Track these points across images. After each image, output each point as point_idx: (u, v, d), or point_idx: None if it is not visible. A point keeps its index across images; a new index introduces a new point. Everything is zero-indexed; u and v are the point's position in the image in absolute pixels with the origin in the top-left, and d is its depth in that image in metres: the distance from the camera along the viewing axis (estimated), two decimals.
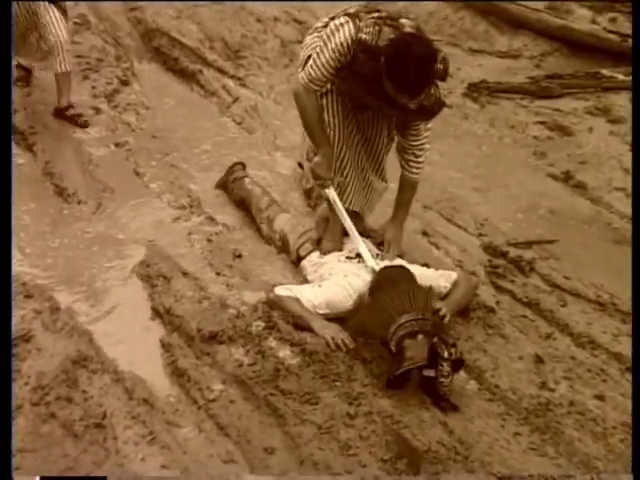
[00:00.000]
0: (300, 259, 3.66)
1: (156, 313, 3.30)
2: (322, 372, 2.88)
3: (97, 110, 5.07)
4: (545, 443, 2.70)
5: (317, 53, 3.23)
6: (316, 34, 3.38)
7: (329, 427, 2.61)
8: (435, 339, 2.83)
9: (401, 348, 2.83)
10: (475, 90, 5.99)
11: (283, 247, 3.77)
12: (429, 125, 3.36)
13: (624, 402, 2.91)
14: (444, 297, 3.33)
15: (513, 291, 3.64)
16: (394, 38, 3.05)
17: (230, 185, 4.25)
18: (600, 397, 2.94)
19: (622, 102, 5.85)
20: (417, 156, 3.44)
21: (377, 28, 3.09)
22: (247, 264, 3.68)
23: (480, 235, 4.12)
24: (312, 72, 3.24)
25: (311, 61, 3.26)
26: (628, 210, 4.48)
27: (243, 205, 4.12)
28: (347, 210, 3.55)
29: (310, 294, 3.25)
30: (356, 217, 3.67)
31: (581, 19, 7.20)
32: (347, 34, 3.12)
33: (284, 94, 5.76)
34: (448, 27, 7.09)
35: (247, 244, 3.87)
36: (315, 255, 3.61)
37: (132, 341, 3.15)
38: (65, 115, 4.88)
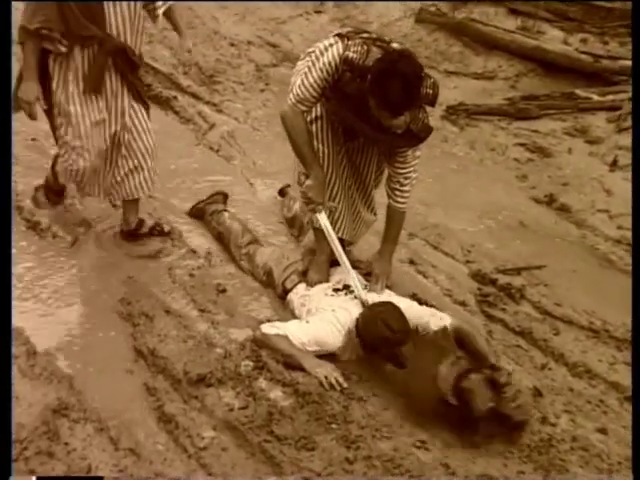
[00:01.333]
0: (286, 292, 3.55)
1: (139, 354, 3.16)
2: (317, 414, 2.77)
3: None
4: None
5: (305, 73, 3.15)
6: (307, 58, 3.30)
7: (328, 474, 2.49)
8: (485, 372, 2.80)
9: (463, 398, 2.74)
10: (453, 112, 5.97)
11: (268, 281, 3.66)
12: (417, 153, 3.28)
13: (627, 435, 2.85)
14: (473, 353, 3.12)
15: (505, 320, 3.57)
16: (381, 55, 2.98)
17: (208, 217, 4.13)
18: (602, 430, 2.87)
19: (599, 123, 5.88)
20: (403, 185, 3.35)
21: (365, 48, 3.03)
22: (232, 299, 3.56)
23: (468, 262, 4.06)
24: (300, 92, 3.16)
25: (299, 81, 3.18)
26: (612, 232, 4.49)
27: (220, 240, 3.99)
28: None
29: (298, 331, 3.13)
30: (344, 247, 3.57)
31: (553, 40, 7.25)
32: (335, 53, 3.06)
33: (261, 119, 5.70)
34: (423, 49, 7.06)
35: (231, 278, 3.74)
36: (302, 287, 3.51)
37: (115, 385, 3.00)
38: (139, 234, 3.92)
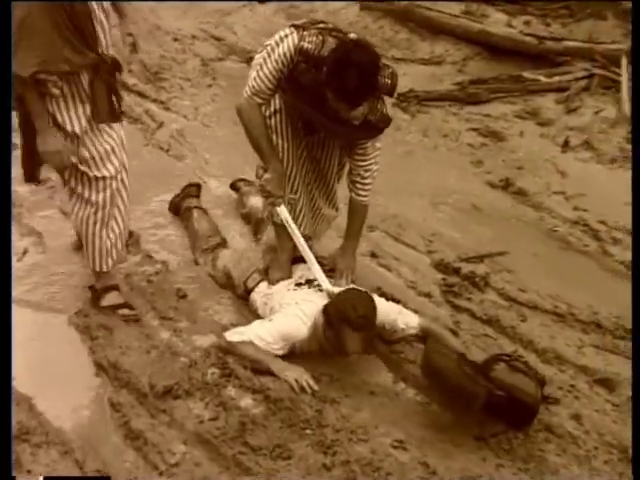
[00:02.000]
0: (248, 292, 3.46)
1: (100, 368, 3.04)
2: (290, 420, 2.70)
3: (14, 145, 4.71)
4: (529, 473, 2.58)
5: (260, 65, 3.08)
6: (263, 50, 3.20)
7: None
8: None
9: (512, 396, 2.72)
10: (404, 100, 5.92)
11: (228, 283, 3.56)
12: (377, 145, 3.21)
13: (601, 420, 2.85)
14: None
15: (471, 309, 3.54)
16: (336, 45, 2.91)
17: (180, 213, 4.06)
18: (576, 417, 2.86)
19: (549, 104, 5.91)
20: (364, 177, 3.29)
21: (320, 38, 2.96)
22: (193, 304, 3.46)
23: (430, 252, 4.02)
24: (255, 84, 3.09)
25: (254, 73, 3.10)
26: (569, 214, 4.50)
27: (189, 239, 3.91)
28: None
29: (263, 332, 3.05)
30: (306, 242, 3.51)
31: (497, 23, 7.26)
32: (290, 43, 3.00)
33: (211, 115, 5.59)
34: (369, 36, 6.95)
35: (190, 282, 3.63)
36: (264, 285, 3.42)
37: (77, 403, 2.89)
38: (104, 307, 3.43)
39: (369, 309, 2.99)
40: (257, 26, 7.30)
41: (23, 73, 2.85)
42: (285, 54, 3.01)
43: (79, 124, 3.07)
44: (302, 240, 3.31)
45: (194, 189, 4.19)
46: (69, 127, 3.06)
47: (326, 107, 2.95)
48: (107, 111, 3.13)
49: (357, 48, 2.88)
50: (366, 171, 3.27)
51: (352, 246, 3.44)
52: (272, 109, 3.25)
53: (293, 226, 3.30)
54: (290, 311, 3.12)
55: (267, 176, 3.22)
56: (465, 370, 2.70)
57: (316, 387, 2.88)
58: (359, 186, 3.31)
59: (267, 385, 2.85)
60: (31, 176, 3.32)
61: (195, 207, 4.05)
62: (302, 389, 2.85)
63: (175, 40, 6.71)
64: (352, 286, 3.20)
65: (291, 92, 3.13)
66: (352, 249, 3.44)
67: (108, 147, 3.17)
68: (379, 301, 3.16)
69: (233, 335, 3.06)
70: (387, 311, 3.13)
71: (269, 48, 3.09)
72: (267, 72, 3.05)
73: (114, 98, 3.16)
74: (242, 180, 4.39)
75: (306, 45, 2.95)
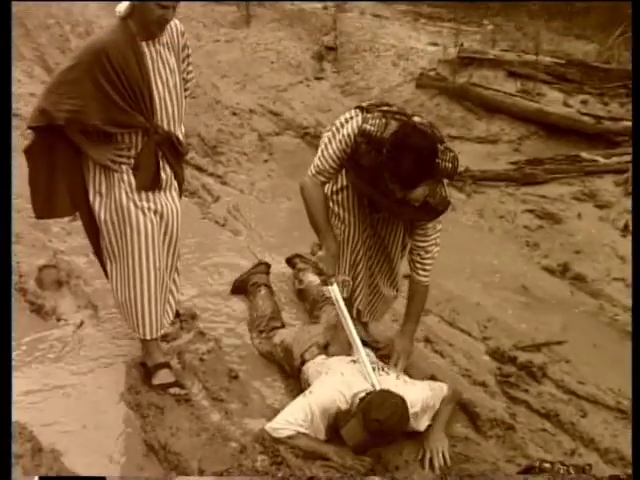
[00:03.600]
0: (304, 364, 3.41)
1: (150, 448, 3.01)
2: None
3: (74, 216, 4.82)
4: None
5: (325, 144, 3.15)
6: (330, 131, 3.25)
7: None
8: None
9: None
10: (460, 179, 5.91)
11: (285, 357, 3.51)
12: (438, 227, 3.20)
13: None
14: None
15: (528, 401, 3.44)
16: (397, 128, 2.94)
17: (249, 288, 4.10)
18: None
19: (607, 186, 5.83)
20: (423, 258, 3.26)
21: (384, 121, 3.00)
22: (244, 385, 3.42)
23: (485, 339, 3.94)
24: (319, 163, 3.16)
25: (319, 152, 3.18)
26: (630, 302, 4.35)
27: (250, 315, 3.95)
28: (351, 314, 3.36)
29: (302, 413, 2.99)
30: (360, 324, 3.48)
31: (554, 102, 7.29)
32: (354, 125, 3.06)
33: (266, 191, 5.64)
34: (425, 114, 7.04)
35: (242, 362, 3.61)
36: (320, 358, 3.37)
37: None
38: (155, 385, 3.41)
39: (389, 415, 2.87)
40: (314, 102, 7.44)
41: (55, 114, 2.97)
42: (349, 135, 3.06)
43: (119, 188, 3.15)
44: (350, 322, 3.26)
45: (264, 267, 4.25)
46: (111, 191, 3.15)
47: (386, 188, 2.96)
48: (150, 179, 3.18)
49: (416, 132, 2.89)
50: (426, 252, 3.25)
51: (411, 329, 3.40)
52: (339, 185, 3.32)
53: (342, 306, 3.26)
54: (333, 381, 3.08)
55: (320, 253, 3.23)
56: None
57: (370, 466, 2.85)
58: (419, 266, 3.28)
59: (318, 475, 2.78)
60: (44, 212, 3.28)
61: (264, 284, 4.07)
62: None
63: (234, 114, 6.87)
64: (391, 384, 3.11)
65: (353, 172, 3.17)
66: (411, 332, 3.40)
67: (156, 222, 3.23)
68: (421, 393, 3.10)
69: (277, 431, 2.99)
70: (428, 403, 3.11)
71: (334, 129, 3.17)
72: (331, 152, 3.11)
73: (166, 168, 3.21)
74: (298, 256, 4.41)
75: (368, 127, 2.99)
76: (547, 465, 2.63)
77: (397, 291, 3.65)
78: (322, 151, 3.16)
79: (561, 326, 4.14)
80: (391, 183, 2.89)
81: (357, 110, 3.18)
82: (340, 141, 3.09)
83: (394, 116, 3.07)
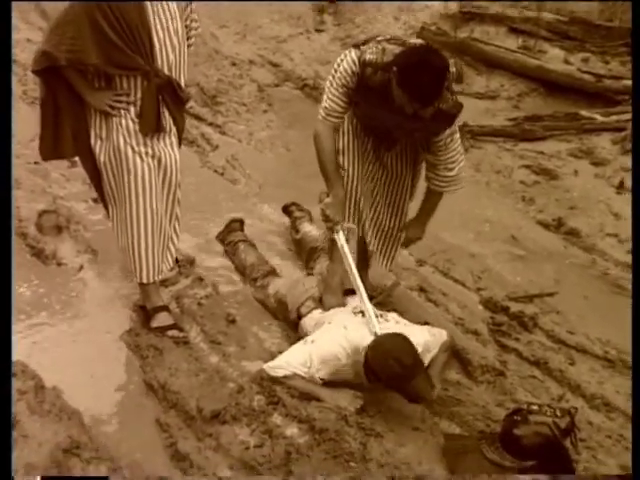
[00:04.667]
0: (301, 318, 3.48)
1: (150, 388, 3.09)
2: (334, 452, 2.70)
3: (73, 163, 4.85)
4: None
5: (328, 87, 3.17)
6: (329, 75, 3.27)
7: None
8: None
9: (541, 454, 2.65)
10: None
11: (279, 309, 3.59)
12: (456, 136, 3.17)
13: None
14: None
15: (519, 349, 3.52)
16: (407, 49, 2.93)
17: (225, 247, 4.11)
18: (625, 468, 2.81)
19: (604, 144, 5.86)
20: (450, 169, 3.24)
21: (380, 47, 3.01)
22: (242, 330, 3.49)
23: (479, 289, 4.02)
24: (327, 105, 3.17)
25: (324, 95, 3.20)
26: (622, 257, 4.44)
27: (238, 270, 3.96)
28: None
29: (301, 358, 3.05)
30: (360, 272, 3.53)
31: (554, 59, 7.26)
32: (349, 59, 3.06)
33: (264, 141, 5.66)
34: None
35: (240, 307, 3.68)
36: (317, 312, 3.43)
37: (126, 420, 2.94)
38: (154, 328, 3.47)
39: (410, 353, 2.93)
40: (313, 54, 7.41)
41: (57, 53, 2.97)
42: (347, 69, 3.07)
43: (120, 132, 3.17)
44: (355, 269, 3.31)
45: (237, 224, 4.24)
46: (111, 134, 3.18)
47: (395, 107, 2.95)
48: (152, 123, 3.20)
49: (429, 51, 2.90)
50: (452, 162, 3.23)
51: (424, 219, 3.49)
52: (340, 131, 3.33)
53: (348, 254, 3.31)
54: (335, 334, 3.11)
55: (328, 200, 3.28)
56: (489, 472, 2.65)
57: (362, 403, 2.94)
58: (447, 179, 3.27)
59: (313, 415, 2.86)
60: (49, 153, 3.31)
61: (240, 240, 4.10)
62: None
63: (233, 65, 6.84)
64: (392, 329, 3.15)
65: (363, 100, 3.15)
66: (424, 222, 3.50)
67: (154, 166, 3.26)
68: (417, 332, 3.16)
69: (274, 370, 3.06)
70: (429, 346, 3.15)
71: (333, 70, 3.17)
72: (334, 90, 3.13)
73: (165, 113, 3.23)
74: (294, 204, 4.44)
75: (368, 57, 3.00)
76: (535, 407, 2.71)
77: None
78: (326, 94, 3.17)
79: (553, 278, 4.21)
80: (409, 102, 2.88)
81: (350, 48, 3.14)
82: (340, 77, 3.09)
83: (388, 41, 3.05)
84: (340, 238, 3.30)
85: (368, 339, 3.05)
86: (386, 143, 3.37)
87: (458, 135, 3.19)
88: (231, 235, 4.14)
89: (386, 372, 2.88)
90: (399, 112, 2.96)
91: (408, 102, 2.88)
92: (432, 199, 3.42)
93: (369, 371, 2.98)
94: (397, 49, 2.97)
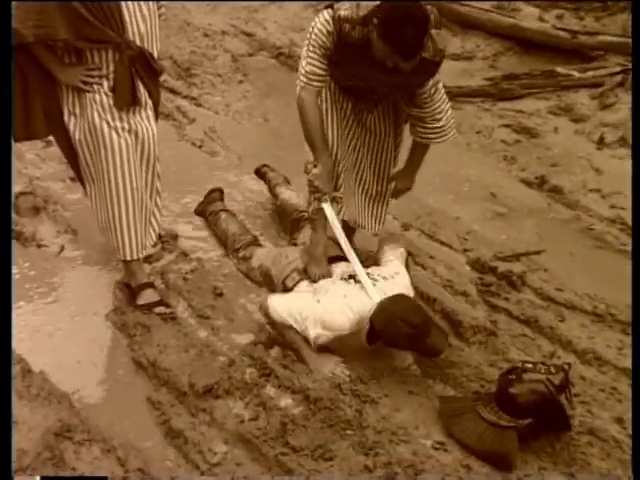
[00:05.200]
0: (287, 291, 3.44)
1: (139, 366, 3.05)
2: (330, 420, 2.68)
3: (48, 142, 4.74)
4: (573, 477, 2.55)
5: (305, 51, 3.07)
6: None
7: None
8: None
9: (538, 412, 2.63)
10: None
11: (265, 281, 3.56)
12: (439, 85, 3.10)
13: None
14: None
15: (508, 309, 3.51)
16: (385, 1, 2.81)
17: (207, 218, 4.05)
18: (619, 420, 2.82)
19: (583, 100, 5.84)
20: (438, 119, 3.17)
21: (354, 3, 2.91)
22: (230, 302, 3.45)
23: (465, 250, 3.99)
24: (306, 69, 3.05)
25: (302, 61, 3.09)
26: (605, 212, 4.44)
27: (220, 241, 3.89)
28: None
29: (305, 311, 3.02)
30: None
31: (529, 17, 7.20)
32: (323, 19, 2.96)
33: (242, 112, 5.57)
34: None
35: (226, 280, 3.63)
36: (303, 284, 3.39)
37: (117, 400, 2.90)
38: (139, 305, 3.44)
39: (417, 311, 2.94)
40: (287, 22, 7.29)
41: (23, 31, 2.85)
42: (321, 30, 2.97)
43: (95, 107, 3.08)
44: (345, 238, 3.27)
45: (217, 194, 4.17)
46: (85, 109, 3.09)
47: (376, 62, 2.88)
48: (127, 97, 3.11)
49: (409, 3, 2.77)
50: (439, 113, 3.16)
51: (413, 169, 3.46)
52: (318, 99, 3.23)
53: (337, 224, 3.27)
54: (338, 301, 3.07)
55: (316, 171, 3.20)
56: (486, 433, 2.63)
57: (351, 377, 2.93)
58: (437, 130, 3.21)
59: (306, 385, 2.83)
60: (22, 134, 3.18)
61: (221, 210, 4.04)
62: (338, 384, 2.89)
63: (205, 36, 6.71)
64: (388, 288, 3.14)
65: (342, 59, 3.04)
66: (413, 172, 3.47)
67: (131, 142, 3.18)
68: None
69: (276, 311, 3.04)
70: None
71: (308, 34, 3.07)
72: (312, 54, 3.03)
73: (140, 86, 3.13)
74: (266, 166, 4.38)
75: (343, 13, 2.90)
76: (529, 365, 2.70)
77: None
78: (304, 58, 3.07)
79: (538, 236, 4.20)
80: (391, 55, 2.80)
81: (321, 11, 3.04)
82: (316, 38, 2.99)
83: None
84: (328, 208, 3.25)
85: (369, 305, 3.03)
86: (367, 104, 3.31)
87: (441, 84, 3.12)
88: (211, 206, 4.07)
89: (400, 337, 2.88)
90: (381, 68, 2.88)
91: (390, 55, 2.79)
92: (419, 151, 3.38)
93: (374, 337, 2.99)
94: (372, 3, 2.89)
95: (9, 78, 2.81)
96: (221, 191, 4.19)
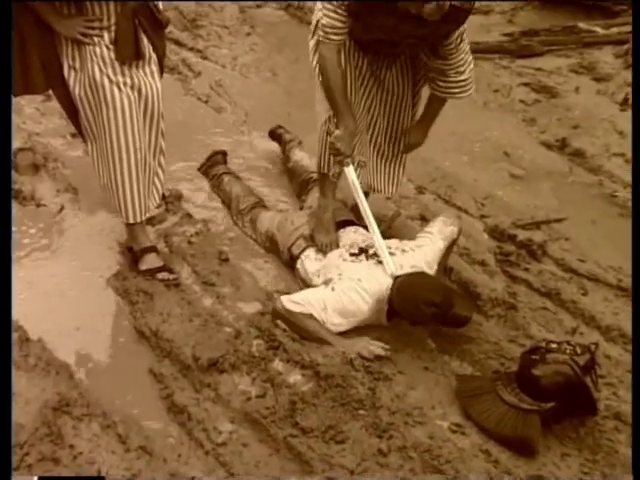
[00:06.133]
0: (293, 258, 3.28)
1: (141, 336, 2.91)
2: (342, 399, 2.54)
3: (48, 96, 4.52)
4: (598, 465, 2.41)
5: (320, 2, 2.83)
6: None
7: (362, 471, 2.27)
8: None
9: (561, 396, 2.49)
10: None
11: (271, 247, 3.40)
12: (464, 34, 2.88)
13: None
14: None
15: (529, 280, 3.34)
16: None
17: (210, 181, 3.87)
18: None
19: (606, 58, 5.60)
20: (461, 72, 2.98)
21: None
22: (235, 268, 3.29)
23: (482, 217, 3.81)
24: (324, 22, 2.81)
25: (318, 13, 2.86)
26: (629, 177, 4.23)
27: (225, 204, 3.72)
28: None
29: (321, 302, 2.86)
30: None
31: None
32: None
33: (249, 66, 5.35)
34: None
35: (231, 244, 3.47)
36: (311, 253, 3.23)
37: (117, 372, 2.76)
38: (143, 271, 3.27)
39: (437, 289, 2.80)
40: None
41: None
42: None
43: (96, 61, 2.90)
44: (367, 207, 3.09)
45: (220, 157, 3.99)
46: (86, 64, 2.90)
47: (403, 10, 2.65)
48: (130, 50, 2.92)
49: None
50: (463, 65, 2.97)
51: (428, 124, 3.26)
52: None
53: (359, 189, 3.08)
54: (351, 287, 2.90)
55: (338, 133, 2.99)
56: (507, 416, 2.49)
57: (387, 346, 2.80)
58: (461, 84, 3.02)
59: (317, 360, 2.68)
60: (20, 88, 2.99)
61: (224, 173, 3.86)
62: (378, 357, 2.76)
63: None
64: (404, 263, 2.99)
65: (364, 8, 2.78)
66: (427, 126, 3.27)
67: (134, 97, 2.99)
68: (427, 250, 3.08)
69: (291, 304, 2.87)
70: (436, 253, 3.09)
71: None
72: (329, 4, 2.77)
73: (143, 39, 2.94)
74: (280, 127, 4.20)
75: None
76: (553, 345, 2.55)
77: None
78: (320, 10, 2.83)
79: (559, 202, 4.02)
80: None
81: None
82: None
83: None
84: (350, 172, 3.06)
85: (386, 283, 2.90)
86: (386, 60, 3.10)
87: (466, 33, 2.89)
88: (214, 168, 3.90)
89: (424, 318, 2.78)
90: (406, 16, 2.65)
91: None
92: (436, 105, 3.18)
93: (394, 314, 2.88)
94: None
95: (9, 78, 2.62)
96: (224, 153, 4.01)
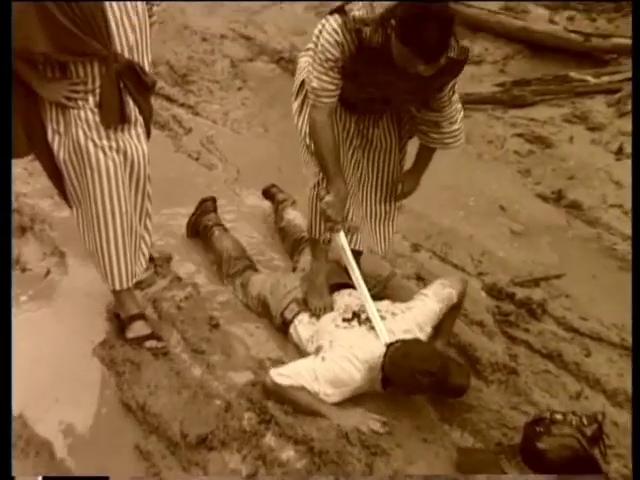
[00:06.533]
0: (286, 323, 3.18)
1: (128, 409, 2.79)
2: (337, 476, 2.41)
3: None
4: None
5: (312, 62, 2.73)
6: (310, 52, 2.88)
7: None
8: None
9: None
10: None
11: (263, 312, 3.30)
12: (455, 85, 2.83)
13: None
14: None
15: (529, 341, 3.24)
16: (407, 3, 2.45)
17: (199, 231, 3.81)
18: None
19: (599, 107, 5.55)
20: (453, 122, 2.93)
21: (367, 2, 2.57)
22: (226, 335, 3.19)
23: (480, 274, 3.72)
24: (314, 85, 2.73)
25: (311, 76, 2.75)
26: (628, 230, 4.15)
27: (214, 263, 3.64)
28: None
29: (312, 373, 2.76)
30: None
31: (539, 19, 6.92)
32: (330, 28, 2.61)
33: (241, 121, 5.30)
34: None
35: (222, 309, 3.37)
36: (304, 317, 3.14)
37: (104, 449, 2.65)
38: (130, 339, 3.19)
39: (433, 357, 2.69)
40: (287, 25, 7.00)
41: None
42: (329, 40, 2.62)
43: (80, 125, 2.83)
44: (359, 274, 3.02)
45: (210, 204, 3.90)
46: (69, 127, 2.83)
47: (398, 69, 2.58)
48: (115, 114, 2.84)
49: (432, 3, 2.42)
50: (455, 114, 2.92)
51: (420, 171, 3.20)
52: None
53: (350, 255, 3.00)
54: (342, 356, 2.81)
55: (328, 199, 2.89)
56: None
57: (384, 419, 2.70)
58: (454, 134, 2.98)
59: (311, 434, 2.57)
60: (22, 149, 2.95)
61: (214, 225, 3.77)
62: (374, 432, 2.63)
63: (203, 40, 6.43)
64: (396, 328, 2.90)
65: (361, 68, 2.71)
66: (420, 174, 3.21)
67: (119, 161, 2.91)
68: (420, 312, 2.98)
69: (281, 377, 2.76)
70: (433, 313, 3.00)
71: (312, 44, 2.75)
72: (319, 67, 2.69)
73: (129, 102, 2.87)
74: (274, 186, 4.12)
75: (357, 13, 2.56)
76: (558, 416, 2.44)
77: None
78: (313, 69, 2.73)
79: (557, 257, 3.93)
80: (413, 59, 2.48)
81: (326, 16, 2.69)
82: (323, 50, 2.65)
83: None
84: (341, 238, 2.98)
85: (379, 350, 2.80)
86: (373, 117, 3.03)
87: (456, 86, 2.84)
88: (204, 218, 3.81)
89: (419, 387, 2.68)
90: (402, 74, 2.57)
91: (410, 60, 2.47)
92: (427, 153, 3.13)
93: (389, 382, 2.79)
94: (387, 2, 2.54)
95: (9, 78, 2.57)
96: (214, 200, 3.93)
